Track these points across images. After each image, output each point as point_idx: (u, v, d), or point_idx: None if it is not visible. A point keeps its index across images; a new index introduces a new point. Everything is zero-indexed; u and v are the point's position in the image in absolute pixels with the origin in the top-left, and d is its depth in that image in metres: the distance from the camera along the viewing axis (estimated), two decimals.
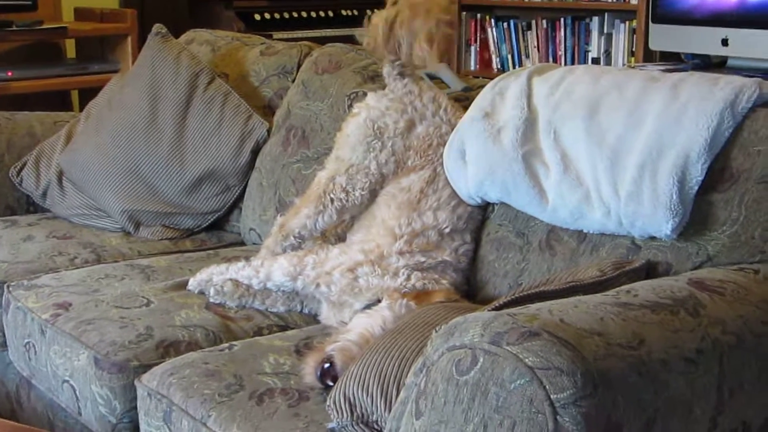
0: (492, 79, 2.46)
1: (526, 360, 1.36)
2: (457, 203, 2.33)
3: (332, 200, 2.41)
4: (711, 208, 1.96)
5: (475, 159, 2.27)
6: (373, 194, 2.41)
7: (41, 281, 2.58)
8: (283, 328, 2.34)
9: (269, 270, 2.38)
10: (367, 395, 1.74)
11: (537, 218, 2.23)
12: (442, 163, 2.36)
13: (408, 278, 2.21)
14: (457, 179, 2.33)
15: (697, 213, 1.96)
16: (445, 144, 2.37)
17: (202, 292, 2.45)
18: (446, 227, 2.30)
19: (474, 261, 2.36)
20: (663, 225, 1.96)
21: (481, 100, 2.36)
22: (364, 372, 1.76)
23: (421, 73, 2.66)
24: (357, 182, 2.40)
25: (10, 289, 2.57)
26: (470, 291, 2.33)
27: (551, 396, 1.34)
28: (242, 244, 3.01)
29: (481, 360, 1.39)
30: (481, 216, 2.37)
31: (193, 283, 2.48)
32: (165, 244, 2.98)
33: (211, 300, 2.42)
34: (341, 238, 2.48)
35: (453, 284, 2.26)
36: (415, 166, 2.38)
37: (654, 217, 1.98)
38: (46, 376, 2.38)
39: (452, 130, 2.38)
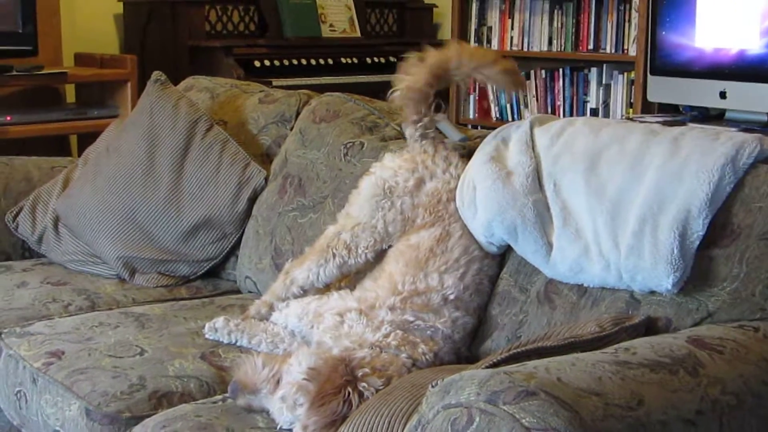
0: (491, 128, 2.46)
1: (523, 420, 1.34)
2: (465, 271, 2.29)
3: (334, 255, 2.42)
4: (712, 263, 1.94)
5: (485, 199, 2.25)
6: (377, 254, 2.41)
7: (34, 328, 2.56)
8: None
9: (287, 313, 2.44)
10: None
11: (538, 270, 2.21)
12: (452, 221, 2.34)
13: (387, 335, 2.17)
14: (470, 222, 2.31)
15: (697, 268, 1.95)
16: (454, 199, 2.36)
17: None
18: (451, 293, 2.25)
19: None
20: (663, 279, 1.95)
21: (486, 146, 2.36)
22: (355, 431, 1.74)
23: None
24: (361, 241, 2.40)
25: (3, 336, 2.54)
26: (461, 356, 2.28)
27: None
28: (238, 292, 2.99)
29: (477, 419, 1.37)
30: (489, 289, 2.32)
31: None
32: (160, 291, 2.96)
33: (206, 336, 2.48)
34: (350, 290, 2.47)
35: (436, 352, 2.18)
36: (425, 224, 2.35)
37: (654, 271, 1.96)
38: (36, 425, 2.34)
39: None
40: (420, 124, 2.47)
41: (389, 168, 2.45)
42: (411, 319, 2.21)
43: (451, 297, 2.26)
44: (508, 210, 2.20)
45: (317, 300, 2.40)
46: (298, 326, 2.41)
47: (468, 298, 2.29)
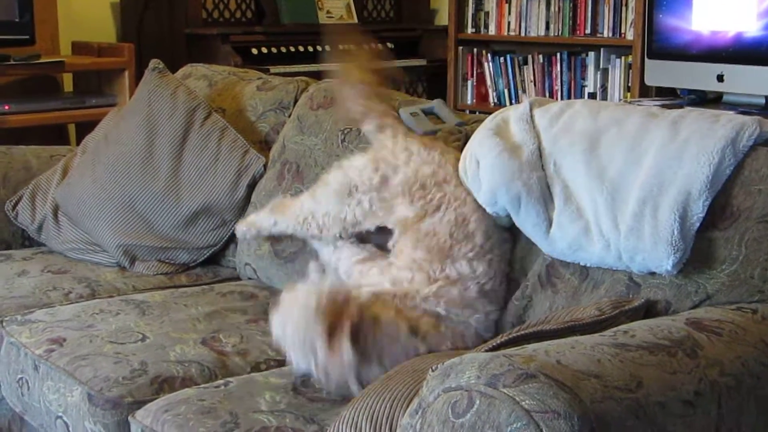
0: (488, 113, 2.46)
1: (523, 403, 1.35)
2: (492, 258, 2.24)
3: (308, 229, 2.48)
4: (711, 245, 1.95)
5: (490, 169, 2.22)
6: (353, 236, 2.43)
7: (35, 316, 2.57)
8: (281, 363, 2.32)
9: (338, 257, 2.44)
10: None
11: (540, 255, 2.22)
12: (458, 206, 2.28)
13: (419, 317, 2.12)
14: (476, 193, 2.29)
15: (697, 250, 1.95)
16: (441, 182, 2.33)
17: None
18: (486, 283, 2.21)
19: None
20: (664, 260, 1.95)
21: (488, 123, 2.35)
22: (357, 415, 1.75)
23: (416, 109, 2.66)
24: (332, 228, 2.43)
25: (4, 324, 2.55)
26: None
27: None
28: (238, 279, 2.99)
29: (478, 402, 1.38)
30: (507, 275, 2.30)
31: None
32: (160, 279, 2.97)
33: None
34: None
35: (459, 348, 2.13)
36: (425, 211, 2.29)
37: (654, 252, 1.96)
38: (39, 412, 2.36)
39: (436, 166, 2.36)
40: (372, 115, 2.53)
41: (354, 167, 2.44)
42: (443, 313, 2.16)
43: (488, 287, 2.21)
44: (514, 180, 2.17)
45: (361, 264, 2.37)
46: (341, 278, 2.40)
47: (498, 287, 2.24)
